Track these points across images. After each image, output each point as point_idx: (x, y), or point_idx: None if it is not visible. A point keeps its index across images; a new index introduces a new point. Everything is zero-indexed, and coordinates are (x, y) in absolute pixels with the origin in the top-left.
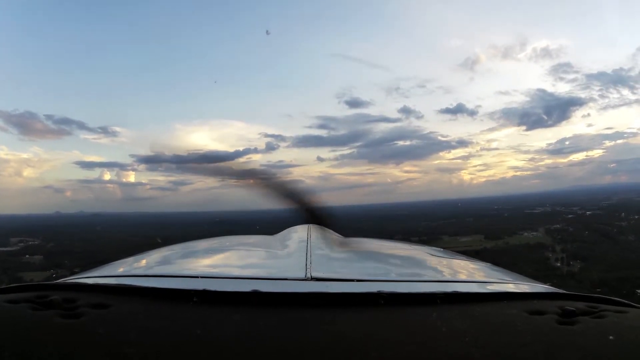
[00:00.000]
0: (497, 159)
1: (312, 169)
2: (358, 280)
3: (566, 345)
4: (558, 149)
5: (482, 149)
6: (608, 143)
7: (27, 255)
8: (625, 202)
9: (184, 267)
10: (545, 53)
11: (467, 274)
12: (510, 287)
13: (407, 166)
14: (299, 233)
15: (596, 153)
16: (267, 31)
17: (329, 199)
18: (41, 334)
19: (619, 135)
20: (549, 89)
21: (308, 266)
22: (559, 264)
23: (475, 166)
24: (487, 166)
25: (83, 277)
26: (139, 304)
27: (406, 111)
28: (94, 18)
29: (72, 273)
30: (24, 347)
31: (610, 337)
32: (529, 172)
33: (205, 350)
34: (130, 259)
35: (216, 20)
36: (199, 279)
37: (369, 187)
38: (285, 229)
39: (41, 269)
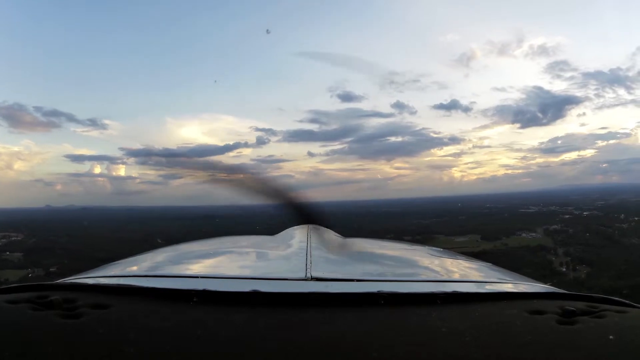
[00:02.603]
0: (489, 157)
1: (303, 164)
2: (358, 280)
3: (566, 345)
4: (550, 148)
5: (474, 147)
6: (601, 143)
7: (7, 252)
8: (622, 203)
9: (184, 267)
10: (542, 50)
11: (467, 274)
12: (510, 287)
13: (398, 162)
14: (299, 233)
15: (588, 153)
16: (267, 30)
17: (318, 195)
18: (41, 334)
19: (611, 135)
20: (546, 86)
21: (308, 266)
22: (564, 269)
23: (466, 163)
24: (478, 164)
25: (83, 277)
26: (139, 304)
27: (399, 106)
28: (83, 9)
29: (48, 273)
30: (24, 347)
31: (610, 337)
32: (520, 171)
33: (205, 350)
34: (130, 259)
35: (207, 13)
36: (199, 279)
37: (359, 183)
38: (283, 228)
39: (19, 267)
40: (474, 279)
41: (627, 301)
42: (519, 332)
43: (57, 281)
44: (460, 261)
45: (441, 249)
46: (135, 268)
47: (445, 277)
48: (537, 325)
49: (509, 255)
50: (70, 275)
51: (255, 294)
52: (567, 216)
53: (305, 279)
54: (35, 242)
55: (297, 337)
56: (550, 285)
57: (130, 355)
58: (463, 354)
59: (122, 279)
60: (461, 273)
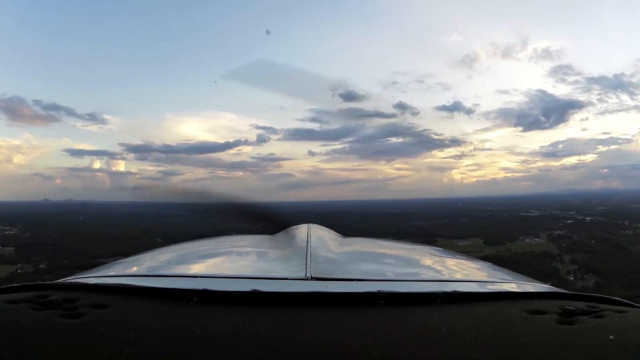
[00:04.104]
0: (490, 160)
1: (303, 162)
2: (358, 280)
3: (566, 345)
4: (551, 152)
5: (475, 149)
6: (601, 148)
7: None
8: (624, 209)
9: (184, 266)
10: (546, 54)
11: (467, 274)
12: (511, 287)
13: (399, 163)
14: (299, 233)
15: (589, 158)
16: (267, 31)
17: (318, 194)
18: (41, 334)
19: (613, 140)
20: (549, 90)
21: (308, 266)
22: (571, 278)
23: (467, 166)
24: (479, 166)
25: (83, 277)
26: (139, 304)
27: (402, 107)
28: (83, 2)
29: (37, 269)
30: (24, 347)
31: (610, 337)
32: (520, 174)
33: (205, 350)
34: (130, 259)
35: (208, 9)
36: (199, 278)
37: (359, 183)
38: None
39: (9, 263)
40: (474, 279)
41: (627, 301)
42: (519, 332)
43: (57, 281)
44: (460, 261)
45: (441, 249)
46: (135, 268)
47: (445, 277)
48: (537, 325)
49: (515, 262)
50: (58, 272)
51: (255, 294)
52: (569, 221)
53: (305, 279)
54: (28, 237)
55: (297, 337)
56: (549, 284)
57: (130, 355)
58: (463, 354)
59: (122, 278)
60: (461, 273)
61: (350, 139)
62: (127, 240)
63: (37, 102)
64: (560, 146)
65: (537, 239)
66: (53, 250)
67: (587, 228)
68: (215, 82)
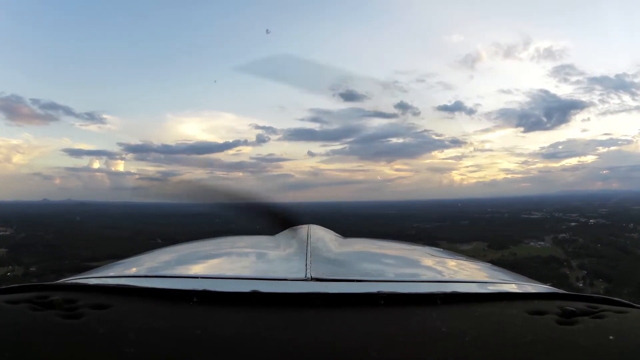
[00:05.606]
0: (490, 161)
1: (303, 163)
2: (358, 281)
3: (566, 345)
4: (552, 153)
5: (475, 150)
6: (601, 149)
7: None
8: (626, 211)
9: (184, 267)
10: (549, 54)
11: (467, 274)
12: (510, 287)
13: (399, 164)
14: (299, 233)
15: (589, 159)
16: (267, 30)
17: (318, 195)
18: (41, 334)
19: (612, 141)
20: (552, 90)
21: (308, 266)
22: (581, 284)
23: (467, 167)
24: (479, 167)
25: (83, 277)
26: (139, 304)
27: (403, 107)
28: (82, 1)
29: (27, 272)
30: (24, 347)
31: (610, 337)
32: (520, 175)
33: (205, 351)
34: (130, 259)
35: (208, 9)
36: (199, 279)
37: (358, 184)
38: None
39: (1, 264)
40: (474, 279)
41: (627, 301)
42: (519, 332)
43: (58, 281)
44: (460, 261)
45: (441, 249)
46: (135, 269)
47: (445, 277)
48: (537, 325)
49: (521, 267)
50: (47, 275)
51: (255, 294)
52: (573, 224)
53: (305, 279)
54: (23, 238)
55: (297, 337)
56: (549, 284)
57: (130, 355)
58: (463, 354)
59: (122, 279)
60: (461, 273)
61: (350, 139)
62: (122, 242)
63: (35, 101)
64: (560, 147)
65: (541, 243)
66: (46, 252)
67: (592, 231)
68: (215, 81)
